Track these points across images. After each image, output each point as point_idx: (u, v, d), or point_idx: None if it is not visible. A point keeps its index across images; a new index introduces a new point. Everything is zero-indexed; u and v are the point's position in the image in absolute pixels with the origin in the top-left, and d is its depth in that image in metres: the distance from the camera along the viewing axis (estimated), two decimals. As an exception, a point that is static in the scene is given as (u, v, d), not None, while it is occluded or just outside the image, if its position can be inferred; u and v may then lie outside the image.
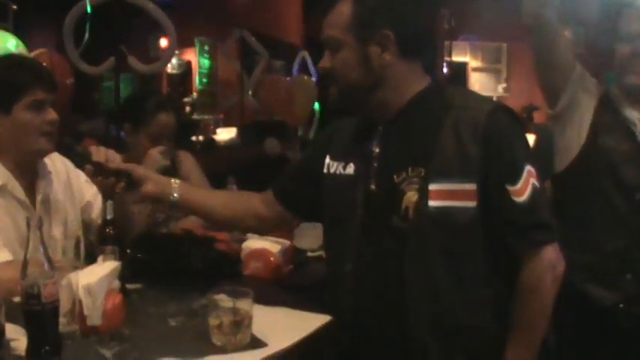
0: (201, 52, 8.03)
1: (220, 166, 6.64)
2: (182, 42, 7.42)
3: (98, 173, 2.37)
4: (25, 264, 1.61)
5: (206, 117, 8.07)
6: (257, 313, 1.83)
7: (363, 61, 1.90)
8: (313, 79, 7.88)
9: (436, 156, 1.86)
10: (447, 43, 9.23)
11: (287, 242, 2.65)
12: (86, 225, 2.67)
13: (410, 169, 1.88)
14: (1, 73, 2.38)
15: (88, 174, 2.43)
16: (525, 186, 1.83)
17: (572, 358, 2.57)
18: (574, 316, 2.48)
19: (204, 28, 7.59)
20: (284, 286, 2.46)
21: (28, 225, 1.63)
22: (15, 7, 3.49)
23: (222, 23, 7.27)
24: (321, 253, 2.79)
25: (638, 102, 2.49)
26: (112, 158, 2.42)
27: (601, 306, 2.46)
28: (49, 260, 1.64)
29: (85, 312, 1.80)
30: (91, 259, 2.51)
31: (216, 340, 1.77)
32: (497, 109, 1.91)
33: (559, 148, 2.59)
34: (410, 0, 1.94)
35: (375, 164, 1.97)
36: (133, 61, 4.57)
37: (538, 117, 8.49)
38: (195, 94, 8.96)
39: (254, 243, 2.64)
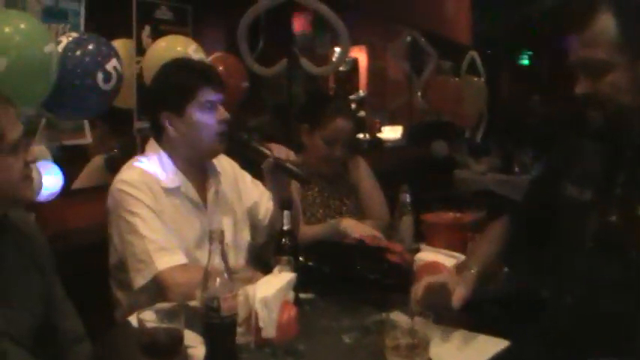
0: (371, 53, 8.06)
1: (387, 167, 6.62)
2: (350, 40, 7.48)
3: (277, 169, 2.40)
4: (206, 276, 1.63)
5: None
6: (433, 335, 1.76)
7: (637, 82, 1.67)
8: (482, 79, 7.69)
9: None
10: None
11: (462, 256, 2.55)
12: (252, 226, 2.71)
13: None
14: (172, 75, 2.47)
15: (266, 168, 2.46)
16: None
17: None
18: None
19: (373, 28, 7.57)
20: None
21: (211, 238, 1.64)
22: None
23: (392, 23, 7.22)
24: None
25: None
26: (292, 156, 2.45)
27: None
28: (229, 273, 1.65)
29: (261, 324, 1.80)
30: (256, 262, 2.56)
31: None
32: None
33: None
34: None
35: (618, 192, 1.77)
36: (305, 63, 4.61)
37: None
38: (361, 92, 8.97)
39: (427, 255, 2.57)
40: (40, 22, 2.47)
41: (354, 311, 2.10)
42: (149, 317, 1.67)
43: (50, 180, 2.61)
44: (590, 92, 1.70)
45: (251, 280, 1.98)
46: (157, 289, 2.29)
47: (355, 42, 8.21)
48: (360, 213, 3.40)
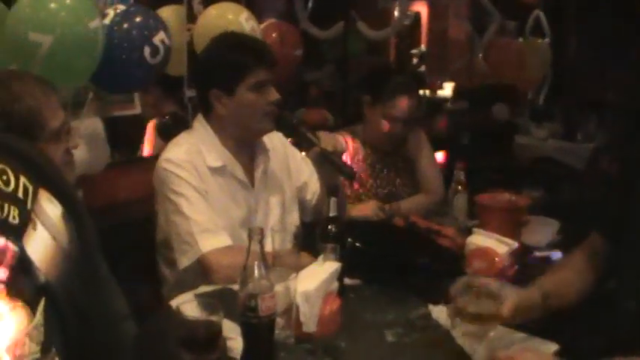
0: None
1: (447, 130, 6.51)
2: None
3: (323, 159, 2.34)
4: (244, 274, 1.58)
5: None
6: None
7: None
8: (547, 40, 7.42)
9: None
10: None
11: (515, 243, 2.45)
12: (300, 205, 2.66)
13: None
14: (224, 53, 2.39)
15: (312, 157, 2.40)
16: None
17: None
18: None
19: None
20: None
21: (250, 236, 1.59)
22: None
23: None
24: (549, 253, 2.59)
25: None
26: (340, 147, 2.38)
27: None
28: (267, 269, 1.61)
29: (302, 318, 1.76)
30: (304, 244, 2.51)
31: None
32: None
33: None
34: None
35: None
36: (362, 27, 4.52)
37: None
38: (423, 47, 8.80)
39: (480, 239, 2.48)
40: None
41: (400, 302, 2.04)
42: (189, 307, 1.63)
43: (98, 154, 2.60)
44: None
45: (296, 266, 1.94)
46: (202, 269, 2.27)
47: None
48: (414, 187, 3.33)
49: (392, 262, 2.32)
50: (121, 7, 2.53)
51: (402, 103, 3.15)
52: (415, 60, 9.57)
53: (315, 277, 1.83)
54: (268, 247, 2.02)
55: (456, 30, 7.64)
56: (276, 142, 2.60)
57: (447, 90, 9.27)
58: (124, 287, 2.13)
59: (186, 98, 3.32)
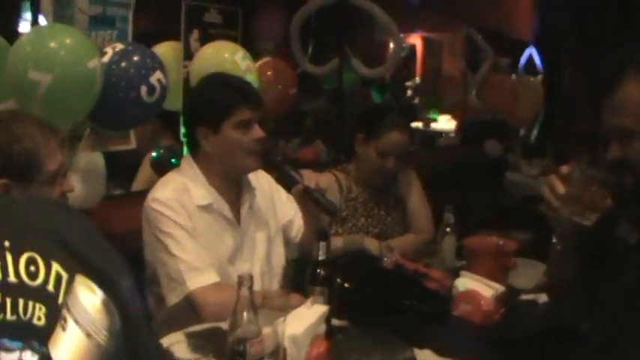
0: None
1: (438, 167, 6.54)
2: (408, 27, 7.37)
3: (306, 197, 2.39)
4: (233, 318, 1.62)
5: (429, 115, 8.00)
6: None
7: None
8: (540, 77, 7.52)
9: None
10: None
11: (501, 287, 2.49)
12: (286, 242, 2.70)
13: None
14: (210, 92, 2.47)
15: (295, 194, 2.46)
16: None
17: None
18: None
19: (429, 22, 7.47)
20: (493, 338, 2.32)
21: (239, 282, 1.63)
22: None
23: (449, 18, 7.11)
24: (535, 296, 2.62)
25: None
26: (323, 185, 2.43)
27: None
28: (255, 314, 1.64)
29: (289, 361, 1.79)
30: (291, 283, 2.55)
31: None
32: None
33: None
34: None
35: None
36: (356, 64, 4.57)
37: None
38: (417, 79, 8.88)
39: (467, 282, 2.52)
40: (85, 36, 2.48)
41: (386, 344, 2.07)
42: (179, 348, 1.67)
43: (96, 189, 2.64)
44: (620, 157, 1.69)
45: (285, 307, 1.97)
46: (191, 306, 2.30)
47: (412, 29, 8.14)
48: (404, 226, 3.37)
49: (379, 304, 2.36)
50: (120, 46, 2.58)
51: (395, 138, 3.21)
52: (410, 92, 9.66)
53: (303, 321, 1.86)
54: (257, 285, 2.05)
55: (450, 67, 7.73)
56: (262, 180, 2.65)
57: (441, 122, 9.35)
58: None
59: (182, 134, 3.36)
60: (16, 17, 3.91)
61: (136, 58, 2.56)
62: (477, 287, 2.48)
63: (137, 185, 3.63)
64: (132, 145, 2.97)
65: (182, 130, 3.30)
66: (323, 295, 2.02)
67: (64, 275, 0.74)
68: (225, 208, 2.45)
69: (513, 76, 7.43)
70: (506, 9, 7.96)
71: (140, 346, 0.82)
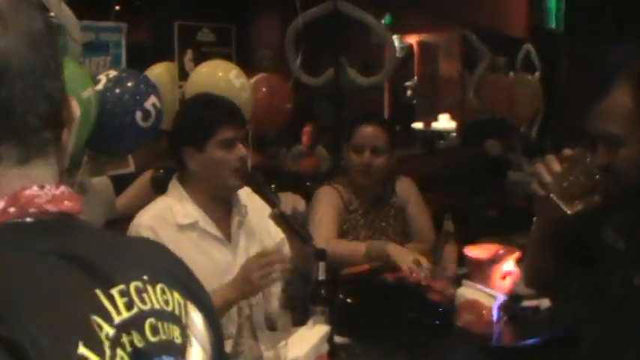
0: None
1: (439, 169, 6.55)
2: (405, 27, 7.41)
3: (281, 221, 2.41)
4: (234, 350, 1.63)
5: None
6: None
7: None
8: (537, 74, 7.51)
9: None
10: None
11: (502, 296, 2.50)
12: None
13: None
14: (194, 113, 2.52)
15: (271, 217, 2.47)
16: None
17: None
18: None
19: (424, 25, 7.50)
20: (495, 348, 2.33)
21: (239, 313, 1.64)
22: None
23: (444, 21, 7.13)
24: (538, 302, 2.63)
25: None
26: (300, 209, 2.44)
27: None
28: (256, 341, 1.66)
29: (293, 384, 1.80)
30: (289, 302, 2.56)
31: None
32: None
33: None
34: None
35: None
36: (352, 73, 4.59)
37: None
38: (416, 78, 8.90)
39: (468, 292, 2.53)
40: (78, 65, 2.50)
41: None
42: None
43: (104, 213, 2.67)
44: (605, 163, 1.67)
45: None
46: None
47: (410, 30, 8.17)
48: (405, 236, 3.37)
49: (382, 318, 2.37)
50: (113, 73, 2.59)
51: (366, 130, 3.19)
52: (409, 92, 9.67)
53: (305, 342, 1.88)
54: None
55: (447, 68, 7.75)
56: (256, 199, 2.67)
57: (441, 122, 9.35)
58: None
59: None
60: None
61: (129, 84, 2.57)
62: (478, 297, 2.49)
63: (120, 200, 3.60)
64: (130, 168, 2.99)
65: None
66: (324, 315, 2.03)
67: (182, 301, 0.87)
68: (211, 226, 2.47)
69: (511, 75, 7.44)
70: (500, 7, 7.98)
71: (224, 357, 0.99)
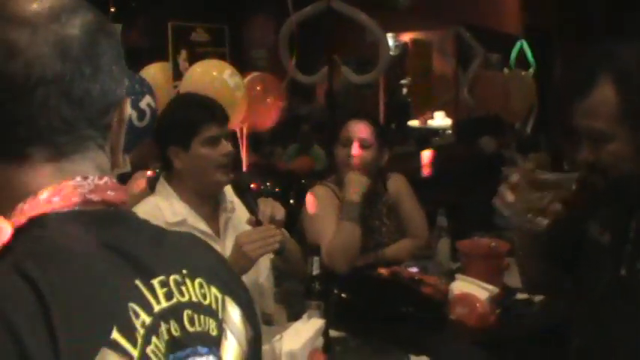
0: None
1: (433, 166, 6.60)
2: (400, 25, 7.41)
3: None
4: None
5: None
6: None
7: (638, 151, 1.64)
8: (531, 70, 7.56)
9: None
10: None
11: (495, 289, 2.54)
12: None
13: None
14: (179, 112, 2.55)
15: (248, 223, 2.48)
16: None
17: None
18: None
19: (418, 24, 7.52)
20: (489, 340, 2.36)
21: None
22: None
23: (438, 18, 7.16)
24: (530, 295, 2.66)
25: None
26: (278, 214, 2.44)
27: None
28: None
29: (288, 378, 1.83)
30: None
31: None
32: None
33: None
34: None
35: (629, 247, 1.71)
36: (346, 71, 4.62)
37: None
38: (409, 77, 8.91)
39: (462, 286, 2.56)
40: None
41: (384, 354, 2.11)
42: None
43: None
44: (591, 159, 1.67)
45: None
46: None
47: (404, 29, 8.18)
48: (399, 233, 3.38)
49: (376, 313, 2.40)
50: (108, 73, 2.62)
51: (352, 125, 3.19)
52: (405, 90, 9.69)
53: (300, 336, 1.91)
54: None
55: (441, 66, 7.77)
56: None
57: (437, 119, 9.37)
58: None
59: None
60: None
61: (124, 84, 2.60)
62: (471, 290, 2.52)
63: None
64: (127, 168, 3.02)
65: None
66: (319, 309, 2.06)
67: (219, 296, 0.91)
68: (200, 223, 2.50)
69: (505, 71, 7.49)
70: (494, 4, 8.02)
71: (260, 355, 1.01)
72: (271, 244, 2.23)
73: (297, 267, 2.52)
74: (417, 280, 2.60)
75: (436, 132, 9.26)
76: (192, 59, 3.41)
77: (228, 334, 0.90)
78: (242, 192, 2.46)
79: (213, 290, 0.91)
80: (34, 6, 0.82)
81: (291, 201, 3.57)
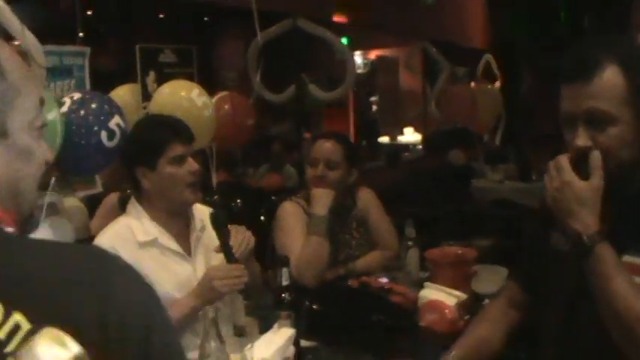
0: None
1: (402, 180, 6.65)
2: (368, 42, 7.50)
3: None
4: (202, 354, 1.70)
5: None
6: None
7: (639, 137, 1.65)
8: (497, 84, 7.67)
9: None
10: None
11: (464, 295, 2.60)
12: None
13: None
14: (144, 133, 2.60)
15: (218, 251, 2.50)
16: None
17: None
18: None
19: (385, 40, 7.62)
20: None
21: (205, 315, 1.71)
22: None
23: (404, 34, 7.26)
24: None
25: None
26: (250, 243, 2.49)
27: None
28: (222, 344, 1.73)
29: (260, 386, 1.87)
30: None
31: None
32: None
33: None
34: None
35: None
36: (313, 90, 4.68)
37: None
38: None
39: (431, 293, 2.61)
40: (44, 89, 2.55)
41: (355, 361, 2.16)
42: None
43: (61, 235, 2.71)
44: (590, 144, 1.65)
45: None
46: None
47: (372, 46, 8.29)
48: (369, 245, 3.43)
49: (347, 322, 2.45)
50: (78, 95, 2.66)
51: (320, 145, 3.26)
52: (375, 107, 9.78)
53: (271, 345, 1.95)
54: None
55: (408, 81, 7.88)
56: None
57: (407, 135, 9.47)
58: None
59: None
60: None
61: (94, 105, 2.65)
62: (440, 297, 2.57)
63: (93, 222, 3.65)
64: (98, 189, 3.05)
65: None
66: (290, 319, 2.10)
67: (25, 326, 0.76)
68: (171, 242, 2.54)
69: (472, 84, 7.59)
70: (459, 20, 8.14)
71: None
72: (238, 284, 2.31)
73: (255, 293, 2.62)
74: (386, 289, 2.66)
75: (406, 147, 9.37)
76: (161, 80, 3.46)
77: None
78: (218, 227, 2.47)
79: (17, 317, 0.78)
80: None
81: (262, 217, 3.59)
